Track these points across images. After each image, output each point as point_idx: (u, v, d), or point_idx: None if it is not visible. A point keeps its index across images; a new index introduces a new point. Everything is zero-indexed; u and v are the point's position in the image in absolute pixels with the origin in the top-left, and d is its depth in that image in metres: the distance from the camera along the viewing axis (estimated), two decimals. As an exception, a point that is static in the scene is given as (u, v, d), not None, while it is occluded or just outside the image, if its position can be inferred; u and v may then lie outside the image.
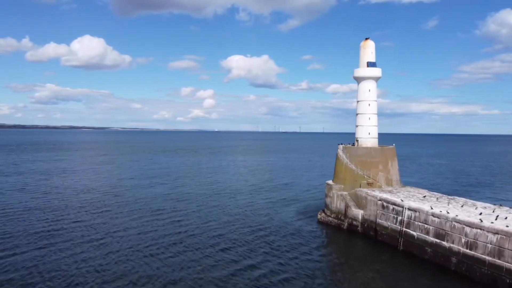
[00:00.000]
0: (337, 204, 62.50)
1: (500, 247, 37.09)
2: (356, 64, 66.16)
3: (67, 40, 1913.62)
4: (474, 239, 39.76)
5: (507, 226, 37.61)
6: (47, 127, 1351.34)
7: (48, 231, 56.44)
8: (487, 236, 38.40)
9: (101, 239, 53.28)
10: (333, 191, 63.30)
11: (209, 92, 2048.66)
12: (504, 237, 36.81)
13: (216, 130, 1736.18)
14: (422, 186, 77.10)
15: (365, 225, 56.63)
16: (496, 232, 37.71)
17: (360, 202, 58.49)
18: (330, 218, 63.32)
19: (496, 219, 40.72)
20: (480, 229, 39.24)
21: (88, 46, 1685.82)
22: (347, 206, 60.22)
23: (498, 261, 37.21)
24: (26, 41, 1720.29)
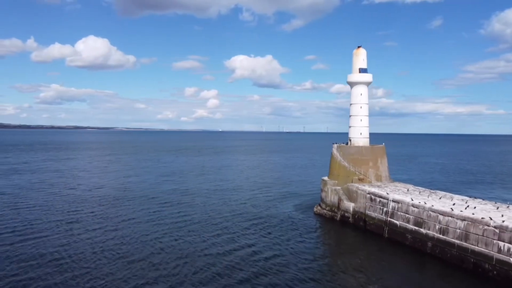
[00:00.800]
0: (331, 198, 68.11)
1: (467, 231, 42.59)
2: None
3: (72, 41, 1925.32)
4: (446, 226, 45.26)
5: (473, 214, 43.16)
6: (52, 127, 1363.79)
7: (67, 219, 62.60)
8: (456, 223, 43.91)
9: (115, 225, 59.63)
10: (328, 186, 68.89)
11: (213, 92, 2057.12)
12: (470, 222, 42.30)
13: (220, 130, 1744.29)
14: (414, 183, 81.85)
15: (356, 217, 62.18)
16: (463, 219, 43.21)
17: (351, 195, 64.04)
18: (325, 211, 68.92)
19: (466, 208, 46.29)
20: (451, 216, 44.76)
21: (92, 47, 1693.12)
22: (340, 200, 65.80)
23: (464, 244, 42.72)
24: (31, 42, 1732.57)
